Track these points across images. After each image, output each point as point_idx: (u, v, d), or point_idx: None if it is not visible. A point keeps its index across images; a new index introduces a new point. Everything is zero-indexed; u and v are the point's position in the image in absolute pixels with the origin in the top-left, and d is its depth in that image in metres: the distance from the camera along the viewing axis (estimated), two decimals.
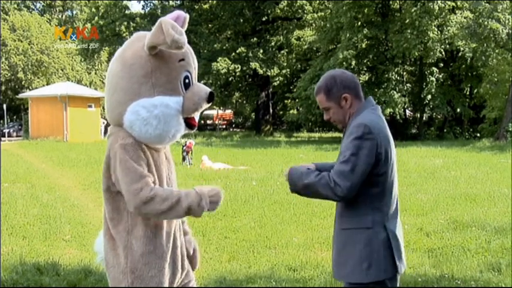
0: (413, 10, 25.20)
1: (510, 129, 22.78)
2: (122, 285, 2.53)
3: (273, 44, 36.22)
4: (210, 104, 2.66)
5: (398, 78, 28.49)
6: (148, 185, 2.42)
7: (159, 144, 2.59)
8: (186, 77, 2.58)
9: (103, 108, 37.22)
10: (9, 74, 40.79)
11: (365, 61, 27.40)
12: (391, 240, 2.51)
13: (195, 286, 2.86)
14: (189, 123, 2.63)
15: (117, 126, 2.58)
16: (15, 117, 44.76)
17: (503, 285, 4.67)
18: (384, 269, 2.49)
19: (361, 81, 28.32)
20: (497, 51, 24.22)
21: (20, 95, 33.43)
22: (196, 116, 2.73)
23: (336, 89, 2.57)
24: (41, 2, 51.07)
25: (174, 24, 2.43)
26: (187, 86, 2.59)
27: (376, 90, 26.28)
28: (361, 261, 2.48)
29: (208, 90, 2.60)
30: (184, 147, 15.56)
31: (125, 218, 2.54)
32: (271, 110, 39.22)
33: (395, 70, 28.35)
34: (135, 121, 2.48)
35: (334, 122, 2.65)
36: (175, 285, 2.68)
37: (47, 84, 38.38)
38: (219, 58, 32.48)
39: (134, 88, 2.53)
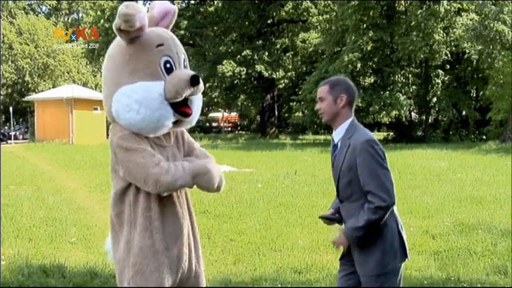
0: (418, 12, 25.14)
1: None
2: (124, 280, 2.54)
3: (278, 46, 36.18)
4: (195, 89, 2.57)
5: (404, 80, 28.41)
6: (161, 159, 2.49)
7: (150, 133, 2.55)
8: (167, 62, 2.56)
9: None
10: (15, 77, 40.99)
11: (370, 63, 27.31)
12: (400, 230, 2.87)
13: (201, 284, 2.80)
14: (180, 110, 2.58)
15: (113, 122, 2.59)
16: (21, 119, 44.99)
17: None
18: (400, 256, 2.84)
19: (366, 83, 28.29)
20: (503, 53, 24.09)
21: (26, 98, 33.58)
22: (193, 105, 2.66)
23: (340, 87, 2.89)
24: (46, 5, 51.27)
25: (129, 4, 2.43)
26: (169, 70, 2.56)
27: (381, 92, 26.20)
28: (382, 255, 2.79)
29: (192, 73, 2.55)
30: None
31: (128, 212, 2.55)
32: (276, 113, 39.16)
33: (401, 72, 28.28)
34: (119, 109, 2.49)
35: (322, 114, 2.92)
36: (178, 281, 2.65)
37: (53, 87, 38.52)
38: (225, 61, 32.50)
39: (115, 79, 2.55)
